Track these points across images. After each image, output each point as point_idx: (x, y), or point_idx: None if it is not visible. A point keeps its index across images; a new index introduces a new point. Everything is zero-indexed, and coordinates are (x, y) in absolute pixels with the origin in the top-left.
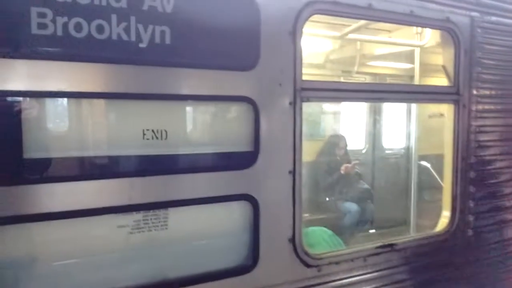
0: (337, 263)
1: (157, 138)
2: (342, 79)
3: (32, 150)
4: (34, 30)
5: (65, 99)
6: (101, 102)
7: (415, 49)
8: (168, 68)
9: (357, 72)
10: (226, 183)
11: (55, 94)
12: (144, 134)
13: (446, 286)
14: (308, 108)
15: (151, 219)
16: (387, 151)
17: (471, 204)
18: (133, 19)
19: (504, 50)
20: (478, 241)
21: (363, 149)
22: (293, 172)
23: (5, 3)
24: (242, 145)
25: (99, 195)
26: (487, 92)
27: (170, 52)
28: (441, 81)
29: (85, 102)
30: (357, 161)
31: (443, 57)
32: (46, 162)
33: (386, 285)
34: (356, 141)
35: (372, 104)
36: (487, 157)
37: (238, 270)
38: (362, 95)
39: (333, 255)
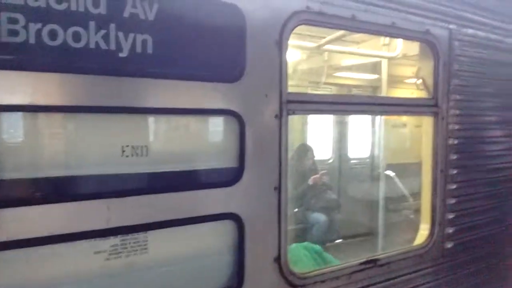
0: (322, 281)
1: (137, 155)
2: (309, 90)
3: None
4: (4, 37)
5: (36, 113)
6: (76, 117)
7: (382, 60)
8: (149, 80)
9: (325, 83)
10: (211, 201)
11: (24, 108)
12: (123, 151)
13: None
14: None
15: (130, 243)
16: (353, 161)
17: (450, 216)
18: (112, 26)
19: (479, 62)
20: (457, 254)
21: (330, 159)
22: (278, 189)
23: None
24: (227, 161)
25: (73, 219)
26: (465, 104)
27: (152, 62)
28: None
29: (58, 116)
30: (325, 171)
31: (421, 69)
32: (13, 184)
33: None
34: (323, 151)
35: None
36: (466, 169)
37: None
38: (346, 107)
39: (318, 274)
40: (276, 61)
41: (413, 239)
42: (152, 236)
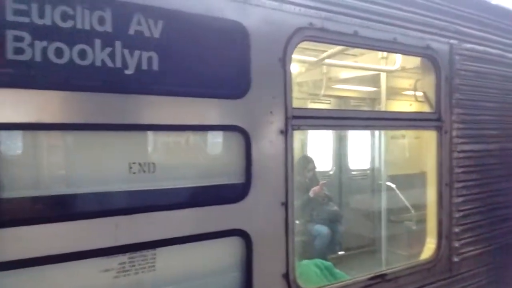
0: None
1: (144, 171)
2: (309, 102)
3: (7, 189)
4: (10, 55)
5: (42, 131)
6: (83, 134)
7: (381, 73)
8: (155, 97)
9: (324, 95)
10: (218, 218)
11: (31, 126)
12: (130, 168)
13: None
14: None
15: (137, 260)
16: (354, 172)
17: (457, 229)
18: (118, 44)
19: (480, 76)
20: (465, 268)
21: (330, 170)
22: (285, 204)
23: None
24: (234, 177)
25: (82, 237)
26: (467, 118)
27: (158, 79)
28: (406, 103)
29: (66, 134)
30: (324, 181)
31: (422, 84)
32: (22, 202)
33: None
34: (323, 162)
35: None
36: (471, 182)
37: None
38: (351, 122)
39: None
40: (280, 77)
41: (417, 251)
42: (160, 253)
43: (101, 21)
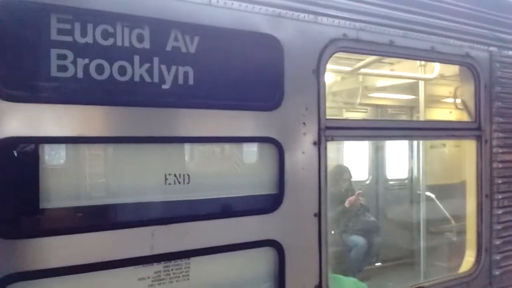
0: None
1: (179, 182)
2: (344, 111)
3: (50, 200)
4: (54, 72)
5: (83, 144)
6: (122, 147)
7: (420, 81)
8: (191, 110)
9: (360, 104)
10: (251, 228)
11: (74, 139)
12: (166, 179)
13: None
14: None
15: (172, 269)
16: (391, 182)
17: (497, 242)
18: (156, 60)
19: None
20: (505, 281)
21: (367, 180)
22: (318, 215)
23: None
24: (267, 188)
25: (119, 246)
26: (508, 127)
27: (193, 93)
28: (445, 111)
29: (105, 147)
30: (360, 191)
31: (461, 92)
32: (64, 212)
33: None
34: (359, 172)
35: None
36: None
37: None
38: (386, 132)
39: None
40: (314, 88)
41: (457, 263)
42: (194, 262)
43: (140, 38)
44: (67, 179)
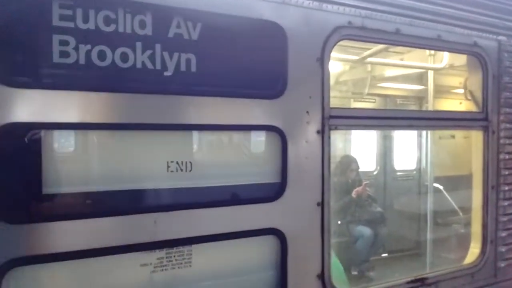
0: None
1: (181, 170)
2: (352, 101)
3: (53, 185)
4: (56, 58)
5: (86, 131)
6: (123, 134)
7: (429, 71)
8: (193, 97)
9: (368, 94)
10: (253, 216)
11: (76, 126)
12: (168, 166)
13: None
14: None
15: (174, 256)
16: (399, 173)
17: (503, 234)
18: (158, 46)
19: None
20: (510, 273)
21: (374, 170)
22: (321, 204)
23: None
24: (270, 176)
25: (122, 232)
26: None
27: (196, 80)
28: (454, 102)
29: (106, 133)
30: (367, 182)
31: (469, 82)
32: (63, 198)
33: None
34: (367, 162)
35: None
36: None
37: None
38: (392, 122)
39: None
40: (318, 77)
41: (463, 255)
42: (196, 250)
43: (142, 24)
44: (70, 165)
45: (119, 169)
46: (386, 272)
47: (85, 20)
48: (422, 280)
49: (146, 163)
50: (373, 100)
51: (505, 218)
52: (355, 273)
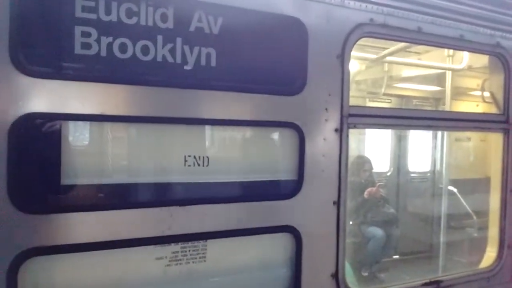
0: None
1: (198, 165)
2: (367, 101)
3: (71, 176)
4: (78, 49)
5: (105, 123)
6: (142, 127)
7: (447, 72)
8: (211, 92)
9: (384, 94)
10: (269, 213)
11: (96, 117)
12: (185, 161)
13: None
14: None
15: (189, 250)
16: (413, 174)
17: None
18: (179, 40)
19: None
20: None
21: (388, 171)
22: (337, 203)
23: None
24: (286, 173)
25: (138, 225)
26: None
27: (215, 75)
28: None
29: (127, 126)
30: (381, 183)
31: (490, 84)
32: (85, 189)
33: None
34: (380, 163)
35: None
36: None
37: None
38: (410, 122)
39: None
40: (338, 74)
41: (476, 259)
42: (211, 245)
43: (164, 18)
44: (88, 157)
45: (137, 162)
46: (397, 274)
47: (108, 12)
48: (437, 282)
49: (164, 157)
50: (389, 101)
51: None
52: (365, 274)
